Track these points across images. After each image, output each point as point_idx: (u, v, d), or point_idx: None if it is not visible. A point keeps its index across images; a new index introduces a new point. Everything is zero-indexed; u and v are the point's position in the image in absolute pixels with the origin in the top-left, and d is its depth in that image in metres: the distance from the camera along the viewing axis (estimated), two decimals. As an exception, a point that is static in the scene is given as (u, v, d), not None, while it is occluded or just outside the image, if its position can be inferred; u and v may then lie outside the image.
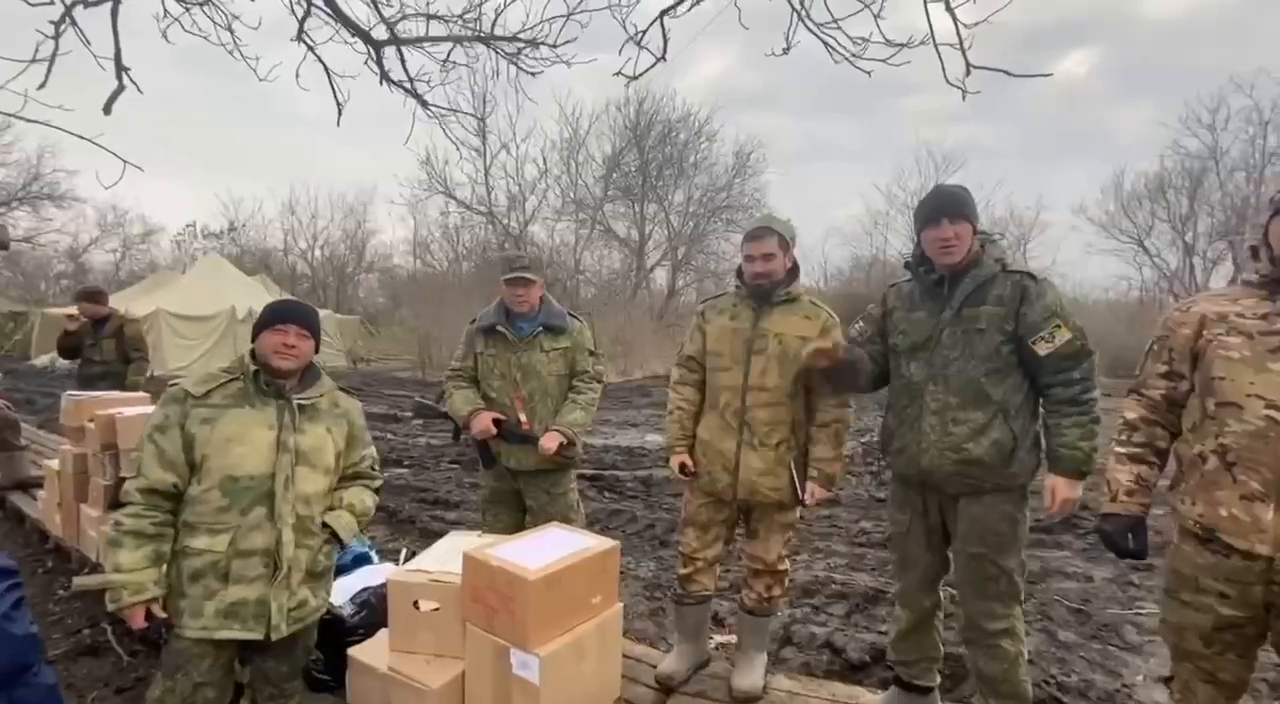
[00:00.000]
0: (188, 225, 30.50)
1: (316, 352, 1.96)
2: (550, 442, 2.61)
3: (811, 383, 2.34)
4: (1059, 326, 1.93)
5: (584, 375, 2.82)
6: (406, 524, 4.75)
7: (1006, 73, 2.71)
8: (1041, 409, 2.05)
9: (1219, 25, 35.89)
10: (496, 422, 2.68)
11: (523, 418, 2.71)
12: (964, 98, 2.83)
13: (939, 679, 2.32)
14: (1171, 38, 37.81)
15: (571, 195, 22.21)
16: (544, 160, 21.57)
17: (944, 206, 2.02)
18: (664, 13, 3.04)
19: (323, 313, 17.89)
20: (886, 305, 2.27)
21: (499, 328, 2.75)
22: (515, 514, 2.84)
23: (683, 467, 2.45)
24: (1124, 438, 1.80)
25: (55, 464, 3.72)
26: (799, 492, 2.30)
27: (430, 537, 4.38)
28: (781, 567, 2.43)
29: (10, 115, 2.60)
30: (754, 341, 2.33)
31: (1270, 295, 1.57)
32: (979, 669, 2.11)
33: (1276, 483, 1.48)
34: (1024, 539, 2.07)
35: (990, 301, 2.00)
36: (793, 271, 2.40)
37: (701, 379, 2.50)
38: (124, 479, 3.09)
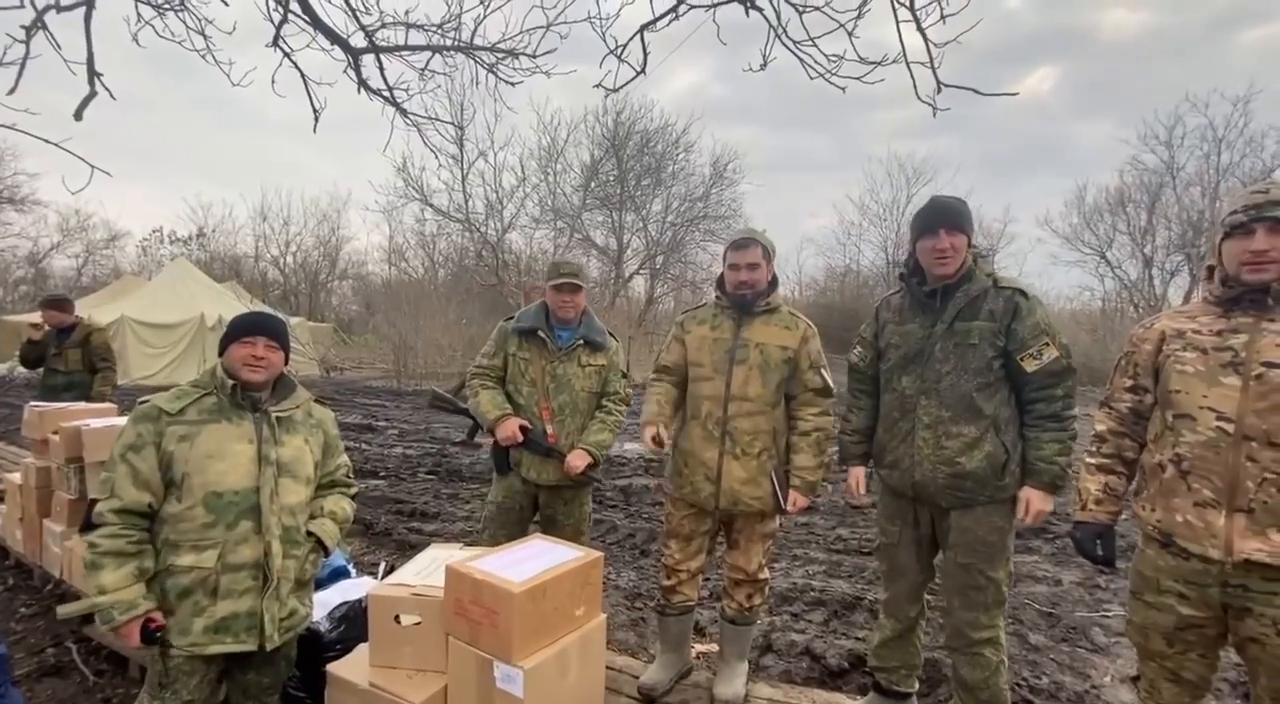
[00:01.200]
0: (154, 230, 29.80)
1: (286, 363, 1.95)
2: (578, 460, 2.54)
3: (792, 391, 2.38)
4: (1047, 344, 1.98)
5: (614, 396, 2.75)
6: (383, 536, 4.68)
7: (975, 91, 2.79)
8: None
9: (1173, 48, 37.44)
10: (522, 429, 2.59)
11: (549, 430, 2.63)
12: (934, 114, 2.92)
13: (917, 685, 2.36)
14: (1129, 58, 39.32)
15: (550, 204, 22.17)
16: (522, 168, 21.53)
17: (942, 217, 2.04)
18: (644, 27, 3.09)
19: (295, 320, 17.59)
20: (879, 321, 2.28)
21: (540, 333, 2.66)
22: (518, 536, 2.70)
23: (655, 437, 2.34)
24: (1094, 449, 1.87)
25: (17, 477, 3.60)
26: (780, 500, 2.33)
27: (407, 549, 4.33)
28: (762, 576, 2.45)
29: (-27, 120, 2.54)
30: (735, 351, 2.35)
31: (1225, 313, 1.65)
32: (960, 676, 2.15)
33: (1228, 491, 1.56)
34: (1011, 548, 2.10)
35: (983, 316, 2.02)
36: (772, 283, 2.43)
37: (676, 384, 2.51)
38: (89, 494, 3.03)
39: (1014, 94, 3.06)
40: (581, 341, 2.68)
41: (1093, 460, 1.87)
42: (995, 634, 2.09)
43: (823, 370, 2.37)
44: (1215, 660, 1.71)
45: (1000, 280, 2.06)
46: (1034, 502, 1.98)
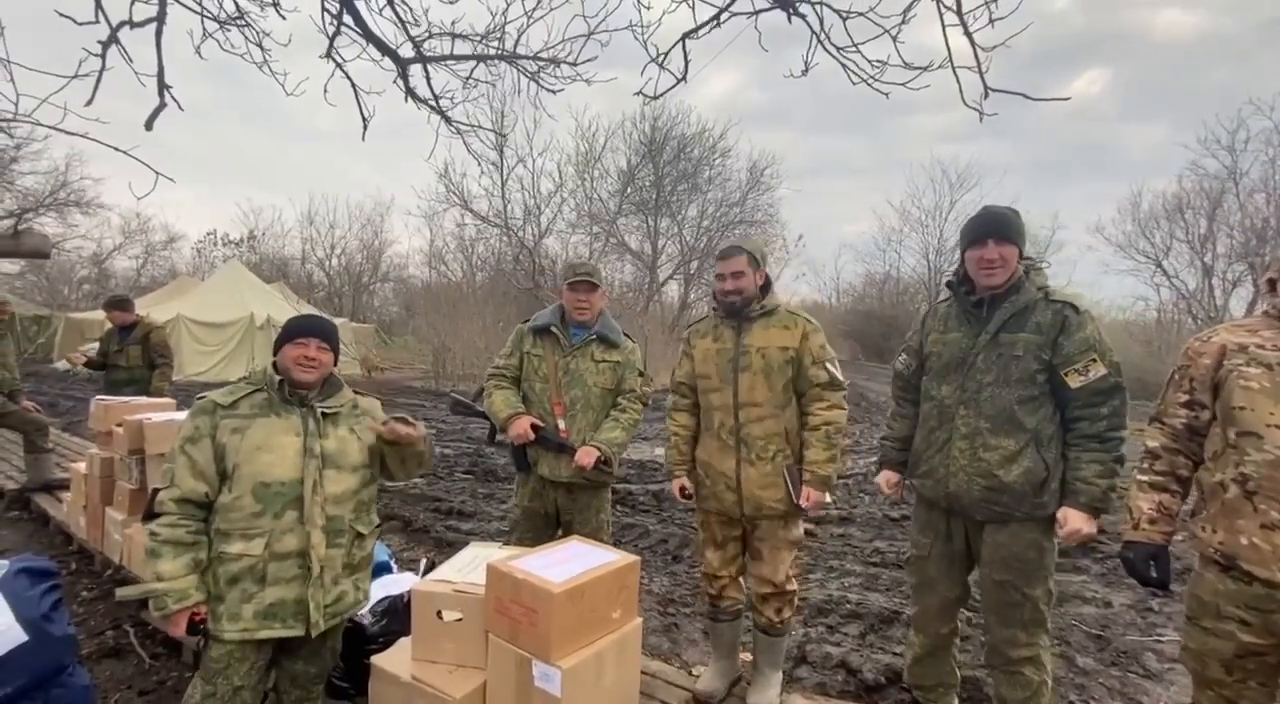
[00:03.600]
0: (208, 233, 31.06)
1: (335, 364, 2.03)
2: (586, 457, 2.56)
3: (800, 388, 2.36)
4: (1094, 361, 1.92)
5: (630, 394, 2.76)
6: (421, 534, 4.78)
7: (1025, 96, 2.72)
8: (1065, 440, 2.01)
9: (1228, 50, 35.86)
10: (534, 427, 2.63)
11: (561, 425, 2.66)
12: (981, 120, 2.85)
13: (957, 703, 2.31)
14: (1182, 61, 37.81)
15: (586, 209, 22.39)
16: (560, 174, 21.79)
17: (991, 228, 2.01)
18: (686, 35, 3.10)
19: (338, 321, 18.10)
20: (925, 329, 2.27)
21: (553, 329, 2.72)
22: (544, 538, 2.76)
23: (682, 489, 2.50)
24: (1146, 466, 1.81)
25: (82, 467, 3.79)
26: (794, 497, 2.30)
27: (445, 546, 4.42)
28: (790, 587, 2.42)
29: (52, 128, 2.70)
30: (738, 359, 2.36)
31: None
32: (1000, 695, 2.10)
33: None
34: (1051, 567, 2.04)
35: (1029, 328, 1.98)
36: (764, 287, 2.43)
37: (694, 403, 2.53)
38: (150, 485, 3.17)
39: (1065, 99, 2.98)
40: (595, 337, 2.71)
41: (1145, 478, 1.80)
42: (1036, 653, 2.04)
43: (828, 364, 2.34)
44: (1275, 690, 1.64)
45: (1052, 293, 2.02)
46: (1071, 521, 1.91)
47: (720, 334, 2.44)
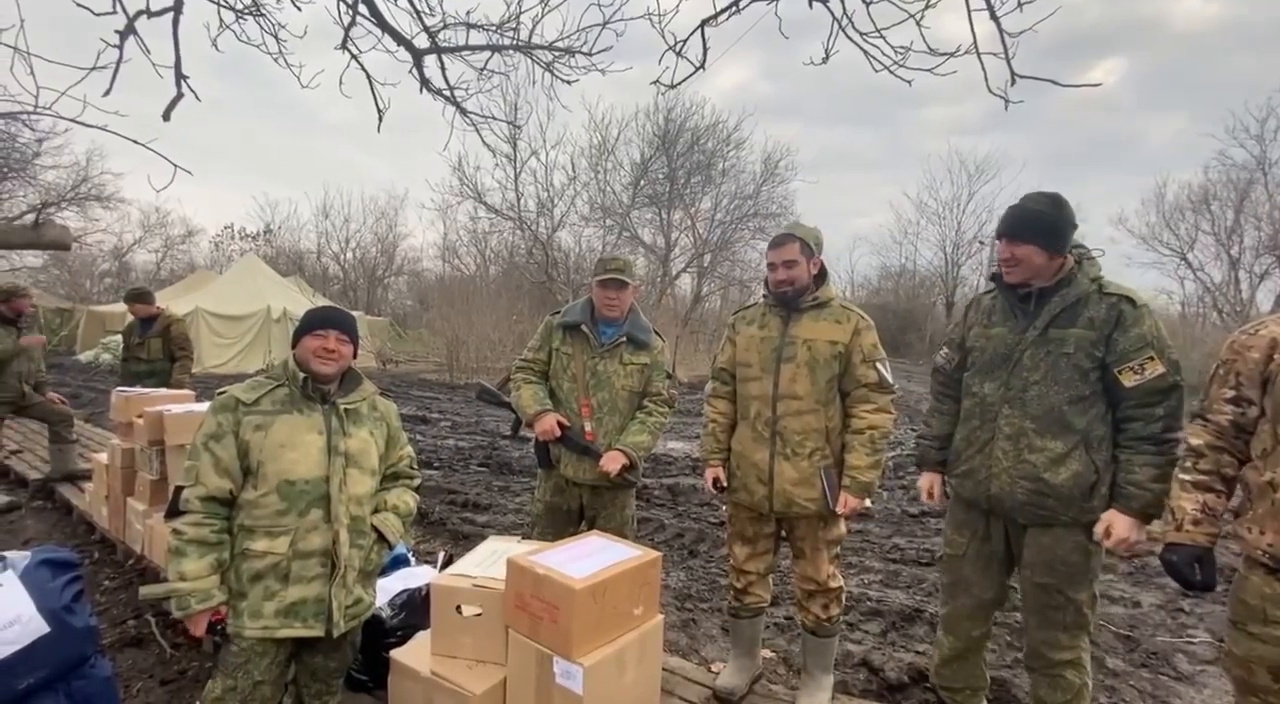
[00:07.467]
0: (226, 227, 31.31)
1: (355, 357, 2.00)
2: (612, 463, 2.51)
3: (846, 388, 2.29)
4: (1152, 358, 1.81)
5: (657, 397, 2.70)
6: (437, 526, 4.78)
7: (1054, 82, 2.62)
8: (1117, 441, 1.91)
9: (1249, 39, 34.89)
10: (560, 425, 2.59)
11: (587, 427, 2.62)
12: (1006, 107, 2.76)
13: None
14: (1202, 50, 36.87)
15: (599, 202, 22.29)
16: (573, 167, 21.71)
17: (1008, 225, 1.93)
18: (704, 22, 3.04)
19: (354, 314, 18.22)
20: (967, 322, 2.18)
21: (583, 328, 2.65)
22: (565, 534, 2.69)
23: (716, 481, 2.43)
24: (1189, 464, 1.74)
25: (103, 458, 3.83)
26: (830, 501, 2.24)
27: (461, 539, 4.42)
28: (834, 584, 2.37)
29: (72, 120, 2.69)
30: (783, 349, 2.29)
31: None
32: (1039, 697, 2.04)
33: None
34: (1097, 570, 1.96)
35: (1081, 324, 1.88)
36: (819, 277, 2.34)
37: (734, 390, 2.46)
38: (170, 476, 3.19)
39: (1096, 85, 2.90)
40: (624, 339, 2.65)
41: (1188, 477, 1.73)
42: (1077, 655, 1.97)
43: (879, 364, 2.26)
44: None
45: (1106, 286, 1.90)
46: (1117, 528, 1.82)
47: (767, 322, 2.37)
